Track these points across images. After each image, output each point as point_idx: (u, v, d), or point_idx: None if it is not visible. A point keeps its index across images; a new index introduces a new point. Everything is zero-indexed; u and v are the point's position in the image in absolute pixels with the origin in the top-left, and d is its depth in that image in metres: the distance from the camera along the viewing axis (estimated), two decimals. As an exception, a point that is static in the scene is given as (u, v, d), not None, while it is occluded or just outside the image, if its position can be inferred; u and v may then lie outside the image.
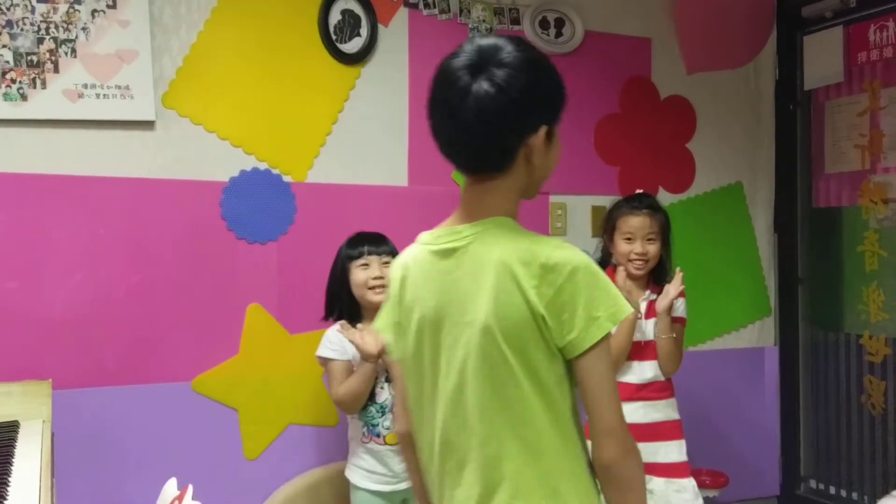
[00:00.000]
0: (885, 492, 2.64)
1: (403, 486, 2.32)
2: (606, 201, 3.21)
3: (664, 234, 2.52)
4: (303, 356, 2.71)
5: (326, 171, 2.78)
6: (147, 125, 2.53)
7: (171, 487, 1.90)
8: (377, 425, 2.33)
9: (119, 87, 2.48)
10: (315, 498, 2.66)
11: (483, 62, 1.24)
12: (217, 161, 2.64)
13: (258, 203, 2.67)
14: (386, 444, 2.33)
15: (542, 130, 1.28)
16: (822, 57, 3.35)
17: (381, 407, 2.33)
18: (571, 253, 1.26)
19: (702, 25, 3.35)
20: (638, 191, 2.67)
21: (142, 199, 2.53)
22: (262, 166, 2.69)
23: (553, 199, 3.12)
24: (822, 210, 3.46)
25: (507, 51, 1.26)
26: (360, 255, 2.37)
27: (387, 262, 2.32)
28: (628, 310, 1.27)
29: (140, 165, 2.53)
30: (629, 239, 2.50)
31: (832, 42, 3.30)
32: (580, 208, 3.18)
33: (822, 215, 3.46)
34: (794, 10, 3.46)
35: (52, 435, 1.94)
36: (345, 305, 2.39)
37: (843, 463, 3.34)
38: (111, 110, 2.47)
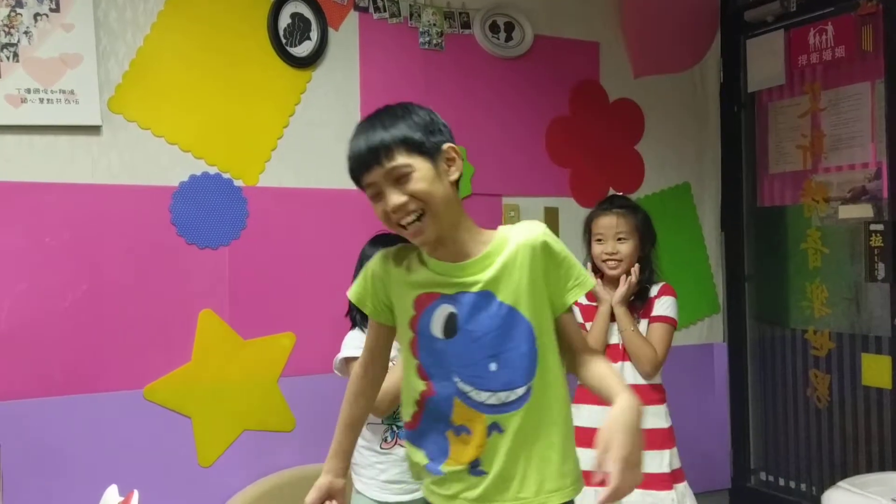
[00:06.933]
0: (832, 482, 2.70)
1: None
2: (558, 202, 3.25)
3: (641, 233, 2.46)
4: (257, 361, 2.69)
5: (278, 176, 2.76)
6: (93, 130, 2.49)
7: (111, 494, 1.81)
8: None
9: (63, 92, 2.43)
10: (271, 504, 2.64)
11: None
12: (166, 166, 2.60)
13: (209, 208, 2.65)
14: None
15: None
16: (765, 60, 3.44)
17: None
18: None
19: (648, 30, 3.42)
20: (612, 193, 2.61)
21: (88, 205, 2.48)
22: (213, 171, 2.66)
23: (506, 200, 3.13)
24: (766, 209, 3.55)
25: None
26: None
27: None
28: None
29: (86, 171, 2.48)
30: (600, 240, 2.47)
31: (774, 45, 3.39)
32: (533, 210, 3.19)
33: (766, 214, 3.55)
34: (737, 14, 3.54)
35: (-2, 447, 1.90)
36: None
37: (792, 455, 3.42)
38: (55, 115, 2.42)
